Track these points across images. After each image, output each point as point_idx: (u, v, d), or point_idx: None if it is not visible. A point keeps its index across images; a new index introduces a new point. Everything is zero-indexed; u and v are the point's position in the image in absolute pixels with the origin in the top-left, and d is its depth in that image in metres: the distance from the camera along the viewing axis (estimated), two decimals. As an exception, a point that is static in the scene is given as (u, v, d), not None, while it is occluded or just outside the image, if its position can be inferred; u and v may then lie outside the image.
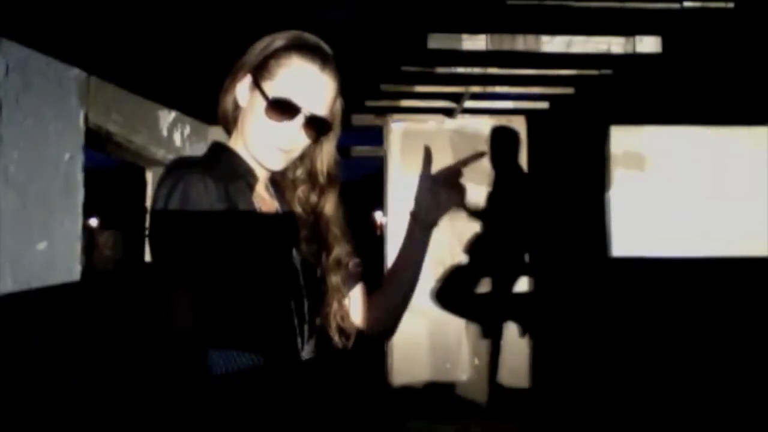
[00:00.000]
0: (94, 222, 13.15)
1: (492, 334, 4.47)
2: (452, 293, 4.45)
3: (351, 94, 1.24)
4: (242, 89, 1.19)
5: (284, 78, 1.15)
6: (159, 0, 2.54)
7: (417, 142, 4.32)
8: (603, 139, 4.25)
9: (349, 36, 2.87)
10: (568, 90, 3.91)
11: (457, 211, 4.40)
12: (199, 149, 3.90)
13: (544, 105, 4.27)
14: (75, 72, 3.09)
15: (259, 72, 1.16)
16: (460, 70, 3.46)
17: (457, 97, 4.09)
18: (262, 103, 1.15)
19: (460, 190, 1.29)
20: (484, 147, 4.53)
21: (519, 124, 4.61)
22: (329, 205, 1.26)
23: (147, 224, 1.08)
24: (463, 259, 4.48)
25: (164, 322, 1.05)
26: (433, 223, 1.30)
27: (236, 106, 1.21)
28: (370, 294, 1.32)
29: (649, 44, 2.96)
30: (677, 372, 3.90)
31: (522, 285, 4.50)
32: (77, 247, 3.05)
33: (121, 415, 3.02)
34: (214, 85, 1.32)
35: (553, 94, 4.03)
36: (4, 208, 2.63)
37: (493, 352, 4.45)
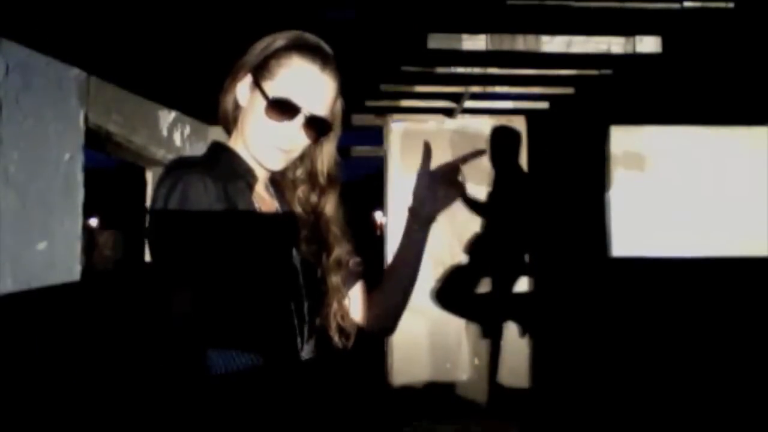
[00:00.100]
0: (94, 222, 13.15)
1: (492, 334, 4.47)
2: (452, 293, 4.45)
3: (351, 94, 1.24)
4: (242, 89, 1.19)
5: (285, 78, 1.15)
6: (159, 0, 2.54)
7: (417, 142, 4.25)
8: (603, 139, 4.25)
9: (349, 36, 2.87)
10: (568, 90, 3.91)
11: (457, 211, 4.40)
12: (199, 149, 3.90)
13: (544, 105, 4.27)
14: (75, 72, 3.10)
15: (260, 72, 1.16)
16: (460, 70, 3.46)
17: (457, 97, 4.09)
18: (262, 103, 1.15)
19: (458, 187, 1.29)
20: (485, 147, 4.53)
21: (519, 124, 4.61)
22: (329, 206, 1.26)
23: (146, 224, 1.07)
24: (463, 259, 4.48)
25: (164, 322, 1.05)
26: (431, 219, 1.30)
27: (236, 106, 1.21)
28: (370, 292, 1.32)
29: (649, 44, 2.96)
30: (677, 372, 3.90)
31: (522, 285, 4.50)
32: (77, 247, 3.05)
33: (121, 415, 3.02)
34: (214, 85, 1.32)
35: (553, 94, 4.03)
36: (4, 208, 2.63)
37: (493, 352, 4.45)
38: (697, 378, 3.86)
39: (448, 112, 4.43)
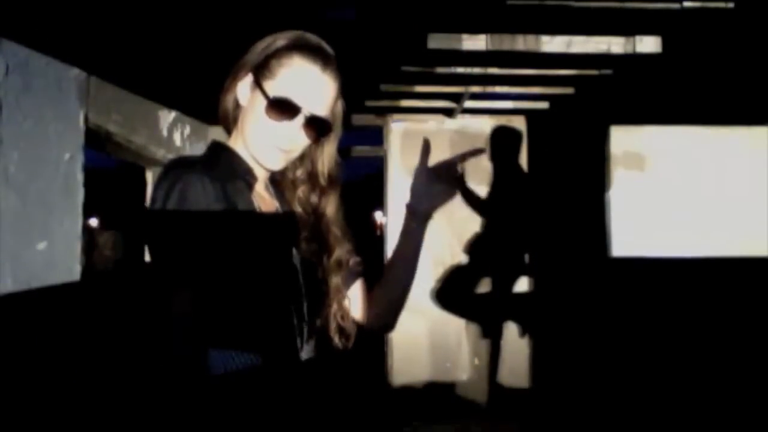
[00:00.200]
0: (94, 222, 13.15)
1: (492, 334, 4.47)
2: (452, 293, 4.45)
3: (351, 94, 1.24)
4: (243, 88, 1.18)
5: (285, 78, 1.15)
6: (159, 0, 2.54)
7: (417, 142, 4.26)
8: (603, 139, 4.25)
9: (349, 36, 2.87)
10: (568, 90, 3.91)
11: (457, 211, 4.40)
12: (199, 149, 3.90)
13: (544, 105, 4.27)
14: (75, 72, 3.09)
15: (261, 71, 1.16)
16: (460, 70, 3.46)
17: (457, 97, 4.09)
18: (262, 103, 1.15)
19: (455, 185, 1.31)
20: (485, 147, 4.53)
21: (519, 124, 4.61)
22: (330, 206, 1.26)
23: (144, 224, 1.07)
24: (463, 259, 4.48)
25: (163, 322, 1.05)
26: (427, 215, 1.31)
27: (237, 105, 1.21)
28: (369, 289, 1.32)
29: (649, 44, 2.96)
30: (677, 372, 3.89)
31: (522, 285, 4.50)
32: (77, 247, 3.05)
33: (121, 415, 3.02)
34: (214, 85, 1.32)
35: (553, 94, 4.03)
36: (4, 208, 2.63)
37: (493, 352, 4.45)
38: (697, 378, 3.86)
39: (448, 112, 4.43)
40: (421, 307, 4.34)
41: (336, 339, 1.24)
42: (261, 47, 1.19)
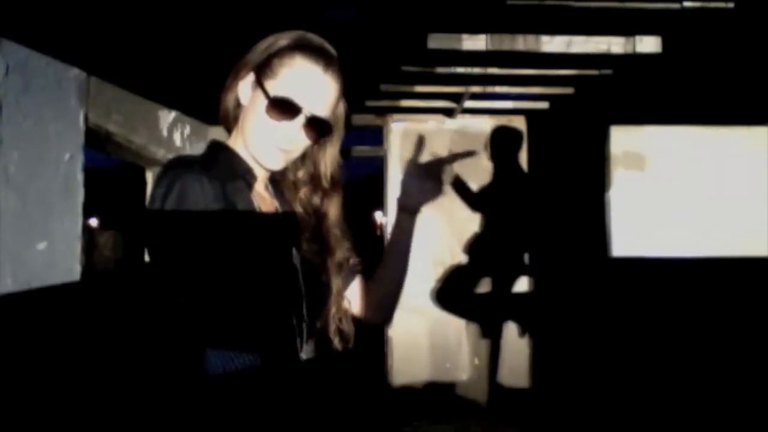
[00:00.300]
0: (94, 222, 13.15)
1: (492, 334, 4.47)
2: (452, 293, 4.45)
3: (351, 94, 1.24)
4: (244, 87, 1.18)
5: (287, 77, 1.14)
6: (159, 0, 2.53)
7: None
8: (603, 139, 4.25)
9: (349, 36, 2.87)
10: (568, 90, 3.91)
11: (457, 211, 4.40)
12: (199, 149, 3.88)
13: (544, 105, 4.27)
14: (75, 72, 3.09)
15: (262, 70, 1.16)
16: (460, 70, 3.46)
17: (457, 97, 4.09)
18: (263, 102, 1.14)
19: (443, 182, 1.34)
20: (485, 147, 4.53)
21: (519, 124, 4.61)
22: (332, 208, 1.26)
23: (143, 223, 1.08)
24: (463, 259, 4.48)
25: (163, 322, 1.05)
26: (416, 210, 1.33)
27: (238, 104, 1.20)
28: (366, 286, 1.34)
29: (649, 44, 2.96)
30: (677, 372, 3.89)
31: (522, 285, 4.50)
32: (77, 247, 3.05)
33: (121, 415, 3.02)
34: (214, 85, 1.32)
35: (553, 94, 4.03)
36: (4, 208, 2.63)
37: (493, 352, 4.45)
38: (697, 378, 3.86)
39: (448, 112, 4.43)
40: (421, 307, 4.34)
41: (335, 341, 1.24)
42: (263, 46, 1.19)
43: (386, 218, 4.73)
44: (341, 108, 1.23)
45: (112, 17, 2.66)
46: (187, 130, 4.27)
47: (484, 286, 4.48)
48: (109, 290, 4.28)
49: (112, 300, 3.80)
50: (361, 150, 4.91)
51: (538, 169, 4.56)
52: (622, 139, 4.23)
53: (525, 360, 4.47)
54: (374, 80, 3.69)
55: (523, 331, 4.48)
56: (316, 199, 1.26)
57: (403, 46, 3.08)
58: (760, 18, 2.72)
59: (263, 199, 1.21)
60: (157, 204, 1.04)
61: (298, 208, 1.26)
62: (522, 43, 2.96)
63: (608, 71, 3.45)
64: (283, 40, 1.18)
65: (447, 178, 1.35)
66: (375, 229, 12.60)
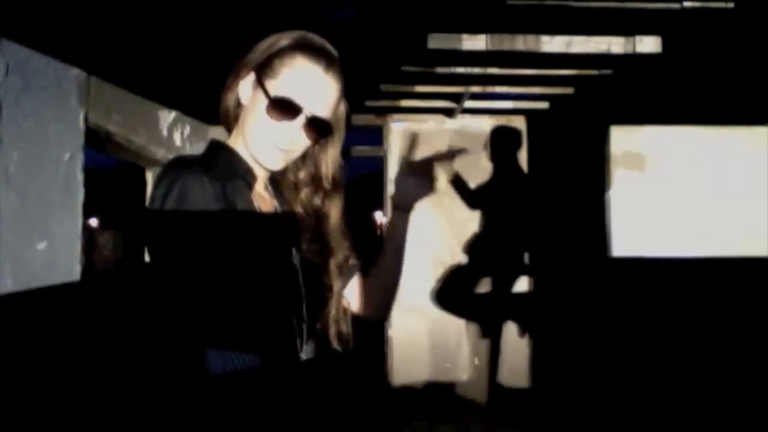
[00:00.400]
0: (94, 222, 13.14)
1: (492, 334, 4.47)
2: (452, 293, 4.45)
3: (351, 94, 1.24)
4: (245, 87, 1.18)
5: (287, 77, 1.14)
6: (159, 0, 2.53)
7: (417, 142, 4.29)
8: (603, 139, 4.25)
9: (349, 36, 2.87)
10: (568, 90, 3.91)
11: (457, 211, 4.40)
12: (199, 149, 3.89)
13: (544, 105, 4.27)
14: (75, 72, 3.09)
15: (263, 70, 1.16)
16: (460, 70, 3.46)
17: (457, 97, 4.09)
18: (263, 102, 1.14)
19: (434, 180, 1.35)
20: (485, 147, 4.53)
21: (519, 124, 4.61)
22: (334, 210, 1.26)
23: (143, 224, 1.08)
24: (463, 259, 4.48)
25: (163, 322, 1.05)
26: (409, 207, 1.34)
27: (238, 104, 1.20)
28: (363, 282, 1.34)
29: (649, 44, 2.96)
30: (677, 372, 3.89)
31: (522, 285, 4.50)
32: (77, 247, 3.05)
33: (121, 415, 3.02)
34: (214, 85, 1.32)
35: (553, 94, 4.03)
36: (4, 208, 2.63)
37: (493, 352, 4.45)
38: (697, 378, 3.86)
39: (448, 112, 4.43)
40: (421, 307, 4.34)
41: (335, 342, 1.24)
42: (264, 46, 1.18)
43: (386, 218, 4.73)
44: (342, 108, 1.23)
45: (112, 17, 2.66)
46: (187, 130, 4.27)
47: (484, 286, 4.48)
48: (109, 290, 4.28)
49: (112, 300, 3.80)
50: (361, 150, 4.91)
51: (538, 169, 4.56)
52: (622, 139, 4.23)
53: (525, 360, 4.47)
54: (374, 80, 3.69)
55: (523, 331, 4.48)
56: (317, 200, 1.26)
57: (403, 46, 3.08)
58: (760, 18, 2.72)
59: (263, 199, 1.21)
60: (158, 204, 1.04)
61: (298, 209, 1.26)
62: (522, 43, 2.96)
63: (608, 71, 3.45)
64: (285, 40, 1.17)
65: (440, 175, 1.36)
66: (375, 229, 12.60)
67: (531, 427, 4.14)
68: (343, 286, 1.28)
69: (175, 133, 4.14)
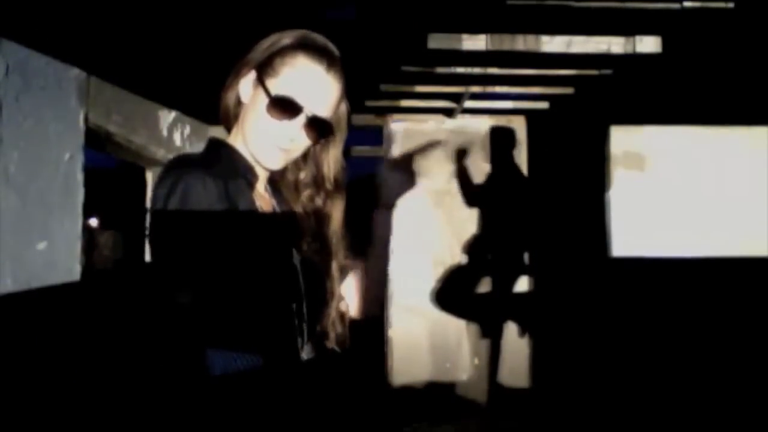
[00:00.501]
0: (94, 222, 13.13)
1: (492, 334, 4.47)
2: (452, 293, 4.45)
3: (351, 94, 1.24)
4: (245, 85, 1.17)
5: (289, 76, 1.14)
6: (159, 0, 2.54)
7: (417, 142, 4.33)
8: (603, 139, 4.25)
9: (349, 36, 2.87)
10: (568, 90, 3.91)
11: (457, 211, 4.40)
12: (198, 149, 3.89)
13: (544, 105, 4.27)
14: (75, 72, 3.09)
15: (264, 69, 1.15)
16: (460, 70, 3.46)
17: (457, 97, 4.09)
18: (264, 101, 1.13)
19: (416, 175, 1.34)
20: (485, 147, 4.53)
21: (519, 124, 4.61)
22: (335, 211, 1.25)
23: (147, 224, 1.08)
24: (463, 259, 4.48)
25: (164, 322, 1.05)
26: (392, 204, 1.33)
27: (238, 103, 1.20)
28: (355, 281, 1.34)
29: (649, 44, 2.96)
30: (677, 372, 3.89)
31: (522, 285, 4.50)
32: (77, 247, 3.05)
33: (121, 416, 3.02)
34: (214, 85, 1.32)
35: (553, 94, 4.03)
36: (4, 208, 2.63)
37: (493, 352, 4.45)
38: (697, 378, 3.86)
39: (448, 112, 4.43)
40: (421, 307, 4.34)
41: (332, 342, 1.24)
42: (265, 45, 1.18)
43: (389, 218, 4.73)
44: (343, 108, 1.23)
45: (112, 17, 2.66)
46: (187, 130, 4.27)
47: (484, 286, 4.48)
48: (109, 290, 4.28)
49: (112, 300, 3.80)
50: (361, 150, 4.90)
51: (538, 168, 4.56)
52: (622, 139, 4.24)
53: (525, 360, 4.47)
54: (374, 80, 3.69)
55: (523, 331, 4.48)
56: (319, 201, 1.25)
57: (403, 46, 3.08)
58: (760, 18, 2.72)
59: (263, 199, 1.21)
60: (160, 204, 1.04)
61: (298, 209, 1.25)
62: (522, 43, 2.96)
63: (608, 71, 3.46)
64: (286, 38, 1.17)
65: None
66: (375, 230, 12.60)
67: (531, 427, 4.14)
68: (341, 284, 1.28)
69: (175, 133, 4.14)
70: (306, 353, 1.18)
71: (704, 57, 3.25)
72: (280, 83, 1.13)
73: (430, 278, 4.41)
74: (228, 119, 1.22)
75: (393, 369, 4.44)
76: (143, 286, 3.95)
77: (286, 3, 2.59)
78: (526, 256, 4.54)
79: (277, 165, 1.18)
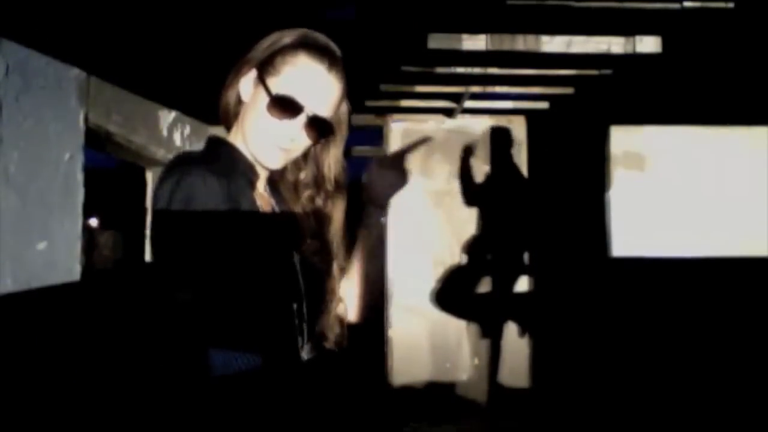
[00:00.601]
0: (94, 222, 13.13)
1: (492, 334, 4.47)
2: (452, 293, 4.45)
3: (351, 94, 1.24)
4: (246, 84, 1.17)
5: (290, 75, 1.13)
6: (159, 0, 2.54)
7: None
8: (603, 139, 4.25)
9: (349, 36, 2.86)
10: (568, 90, 3.91)
11: (457, 211, 4.40)
12: (198, 149, 3.89)
13: (544, 105, 4.27)
14: (75, 72, 3.09)
15: (265, 68, 1.14)
16: (460, 70, 3.46)
17: (457, 97, 4.09)
18: (264, 100, 1.13)
19: (408, 174, 1.33)
20: (485, 147, 4.53)
21: (519, 124, 4.60)
22: (336, 211, 1.25)
23: (149, 223, 1.08)
24: (463, 259, 4.48)
25: (165, 322, 1.05)
26: (382, 204, 1.33)
27: (239, 101, 1.19)
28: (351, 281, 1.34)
29: (649, 44, 2.96)
30: (677, 371, 3.89)
31: (522, 285, 4.50)
32: (77, 247, 3.05)
33: (121, 416, 3.02)
34: (214, 84, 1.32)
35: (553, 94, 4.03)
36: (4, 208, 2.63)
37: (493, 352, 4.45)
38: (697, 377, 3.86)
39: (448, 112, 4.43)
40: (421, 307, 4.34)
41: (330, 343, 1.24)
42: (267, 44, 1.17)
43: (385, 218, 4.72)
44: (344, 108, 1.22)
45: (112, 17, 2.66)
46: (187, 130, 4.27)
47: (484, 286, 4.48)
48: (109, 290, 4.28)
49: (113, 300, 3.80)
50: (361, 150, 4.90)
51: (538, 168, 4.56)
52: (622, 139, 4.24)
53: (525, 360, 4.47)
54: (374, 80, 3.69)
55: (523, 331, 4.48)
56: (319, 201, 1.24)
57: (403, 46, 3.08)
58: (760, 18, 2.72)
59: (263, 198, 1.21)
60: (162, 203, 1.03)
61: (297, 209, 1.25)
62: (522, 43, 2.96)
63: (608, 71, 3.46)
64: (288, 37, 1.16)
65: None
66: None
67: (531, 427, 4.14)
68: (339, 283, 1.28)
69: (175, 133, 4.14)
70: (306, 353, 1.17)
71: (704, 57, 3.25)
72: (281, 82, 1.13)
73: (430, 278, 4.41)
74: (228, 118, 1.22)
75: (393, 369, 4.44)
76: (143, 286, 3.95)
77: (286, 3, 2.59)
78: (526, 256, 4.54)
79: (277, 164, 1.18)
